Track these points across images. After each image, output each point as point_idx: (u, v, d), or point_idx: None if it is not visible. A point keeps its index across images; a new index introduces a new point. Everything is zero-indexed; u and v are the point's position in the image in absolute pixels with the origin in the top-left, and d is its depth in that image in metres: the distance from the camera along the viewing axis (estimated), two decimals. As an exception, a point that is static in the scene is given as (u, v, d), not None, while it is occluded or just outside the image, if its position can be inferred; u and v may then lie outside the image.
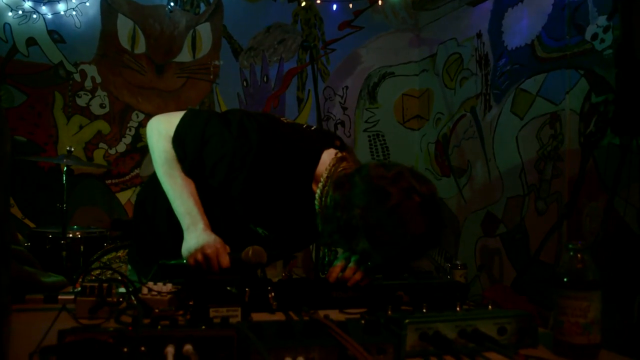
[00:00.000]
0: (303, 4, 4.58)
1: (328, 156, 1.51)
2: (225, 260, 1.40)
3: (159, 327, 0.87)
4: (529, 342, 1.06)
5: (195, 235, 1.46)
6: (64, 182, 3.38)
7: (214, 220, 1.55)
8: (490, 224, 4.02)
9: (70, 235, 3.38)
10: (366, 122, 4.92)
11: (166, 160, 1.56)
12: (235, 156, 1.47)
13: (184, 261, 1.45)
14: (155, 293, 1.18)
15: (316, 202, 1.47)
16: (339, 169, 1.46)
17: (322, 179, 1.47)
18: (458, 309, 1.08)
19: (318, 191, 1.47)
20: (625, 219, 2.91)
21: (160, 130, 1.58)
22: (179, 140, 1.54)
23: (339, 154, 1.52)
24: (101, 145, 4.35)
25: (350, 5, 4.63)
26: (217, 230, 1.51)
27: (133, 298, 1.14)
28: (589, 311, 1.01)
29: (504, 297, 3.68)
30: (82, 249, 3.34)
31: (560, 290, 1.04)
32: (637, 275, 2.81)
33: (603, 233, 3.05)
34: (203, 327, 0.88)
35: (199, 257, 1.42)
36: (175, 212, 1.54)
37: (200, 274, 1.41)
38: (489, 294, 3.76)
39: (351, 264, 1.41)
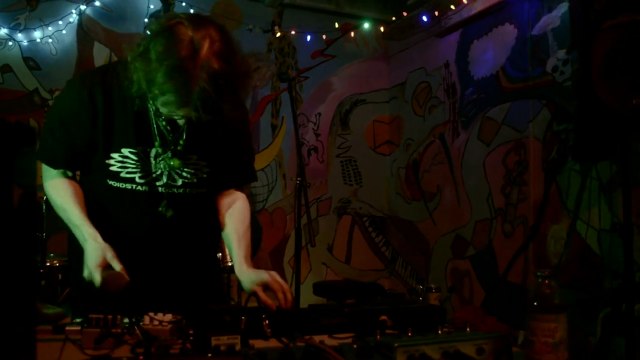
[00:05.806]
0: (278, 34, 4.70)
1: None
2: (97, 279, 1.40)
3: (170, 356, 0.94)
4: (504, 360, 1.17)
5: (85, 249, 1.49)
6: (44, 211, 3.35)
7: (115, 210, 1.64)
8: (460, 247, 4.16)
9: (48, 264, 3.35)
10: (339, 147, 5.04)
11: (48, 186, 1.63)
12: (74, 101, 1.58)
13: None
14: (157, 323, 1.25)
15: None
16: None
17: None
18: (440, 331, 1.19)
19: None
20: (586, 241, 3.08)
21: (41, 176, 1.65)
22: (41, 152, 1.61)
23: None
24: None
25: (324, 36, 4.77)
26: (118, 220, 1.63)
27: (137, 329, 1.21)
28: (557, 331, 1.13)
29: (474, 317, 3.81)
30: (60, 278, 3.32)
31: (531, 313, 1.15)
32: (599, 294, 2.98)
33: (566, 254, 3.22)
34: (209, 354, 0.96)
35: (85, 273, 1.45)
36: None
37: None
38: (460, 315, 3.88)
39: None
